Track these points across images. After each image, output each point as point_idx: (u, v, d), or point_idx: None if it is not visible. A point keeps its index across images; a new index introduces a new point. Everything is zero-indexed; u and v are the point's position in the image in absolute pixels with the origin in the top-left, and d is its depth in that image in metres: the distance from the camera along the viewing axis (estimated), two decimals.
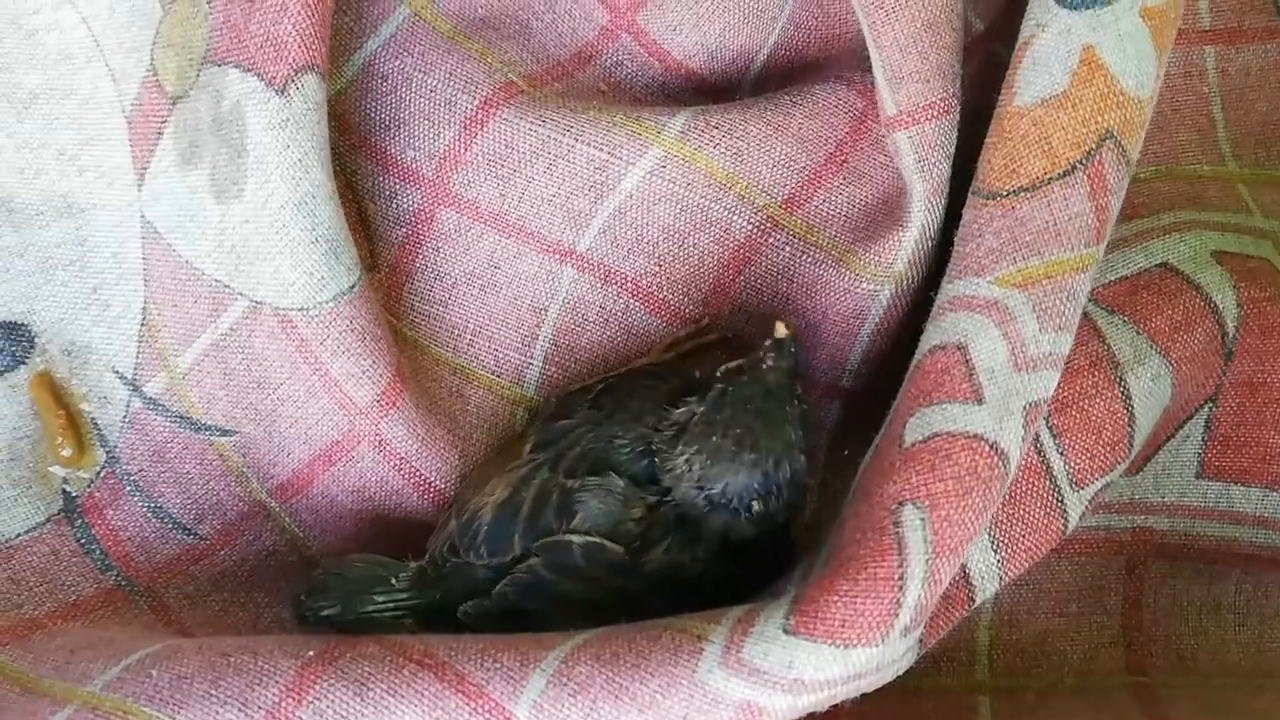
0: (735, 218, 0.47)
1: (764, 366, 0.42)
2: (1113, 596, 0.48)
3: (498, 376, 0.48)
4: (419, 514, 0.45)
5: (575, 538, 0.41)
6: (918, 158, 0.45)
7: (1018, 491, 0.42)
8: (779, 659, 0.36)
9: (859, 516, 0.38)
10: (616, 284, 0.48)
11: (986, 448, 0.38)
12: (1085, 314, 0.44)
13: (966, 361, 0.39)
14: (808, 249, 0.47)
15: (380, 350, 0.44)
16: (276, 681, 0.37)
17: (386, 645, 0.39)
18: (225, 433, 0.46)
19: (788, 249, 0.47)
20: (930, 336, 0.41)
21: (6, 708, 0.39)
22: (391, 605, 0.42)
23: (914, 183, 0.45)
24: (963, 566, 0.41)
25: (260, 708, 0.37)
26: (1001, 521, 0.42)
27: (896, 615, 0.36)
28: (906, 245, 0.45)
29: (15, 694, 0.40)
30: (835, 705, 0.48)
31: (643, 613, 0.39)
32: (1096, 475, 0.43)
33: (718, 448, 0.41)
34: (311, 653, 0.38)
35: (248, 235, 0.43)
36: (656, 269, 0.48)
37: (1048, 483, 0.42)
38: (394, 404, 0.44)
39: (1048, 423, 0.43)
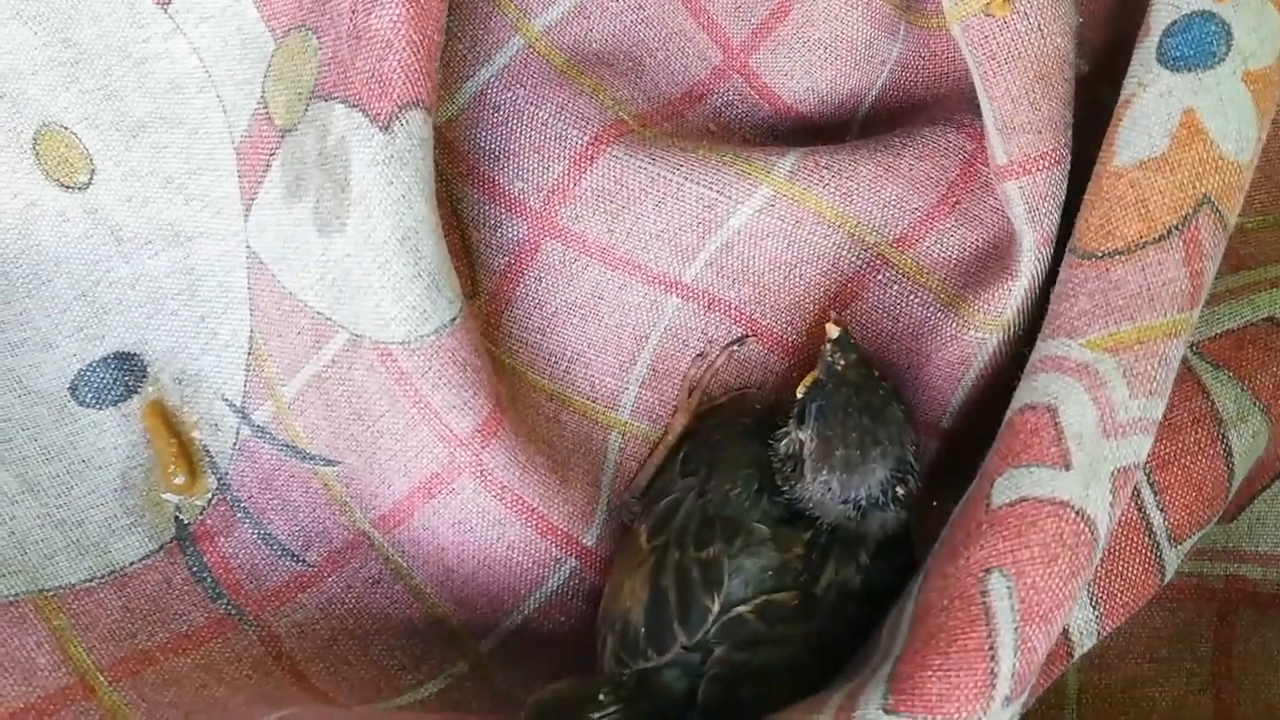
0: (844, 253, 0.47)
1: (838, 367, 0.42)
2: (1203, 644, 0.48)
3: (592, 401, 0.48)
4: (521, 543, 0.45)
5: (743, 608, 0.41)
6: (1028, 208, 0.44)
7: (1117, 546, 0.42)
8: None
9: (946, 580, 0.38)
10: (720, 310, 0.48)
11: (1073, 514, 0.37)
12: (1189, 368, 0.44)
13: (1055, 424, 0.39)
14: (917, 289, 0.47)
15: (480, 381, 0.44)
16: None
17: None
18: (329, 462, 0.46)
19: (896, 287, 0.47)
20: (1022, 395, 0.41)
21: None
22: (614, 705, 0.41)
23: (1024, 232, 0.44)
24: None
25: None
26: (1100, 578, 0.42)
27: (993, 686, 0.36)
28: (1016, 295, 0.45)
29: None
30: None
31: (833, 651, 0.40)
32: (1194, 530, 0.43)
33: (846, 459, 0.41)
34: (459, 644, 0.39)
35: (349, 269, 0.42)
36: (761, 297, 0.47)
37: (1147, 539, 0.42)
38: (495, 434, 0.44)
39: (1149, 478, 0.42)
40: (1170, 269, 0.40)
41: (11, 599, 0.42)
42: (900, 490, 0.42)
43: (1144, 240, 0.41)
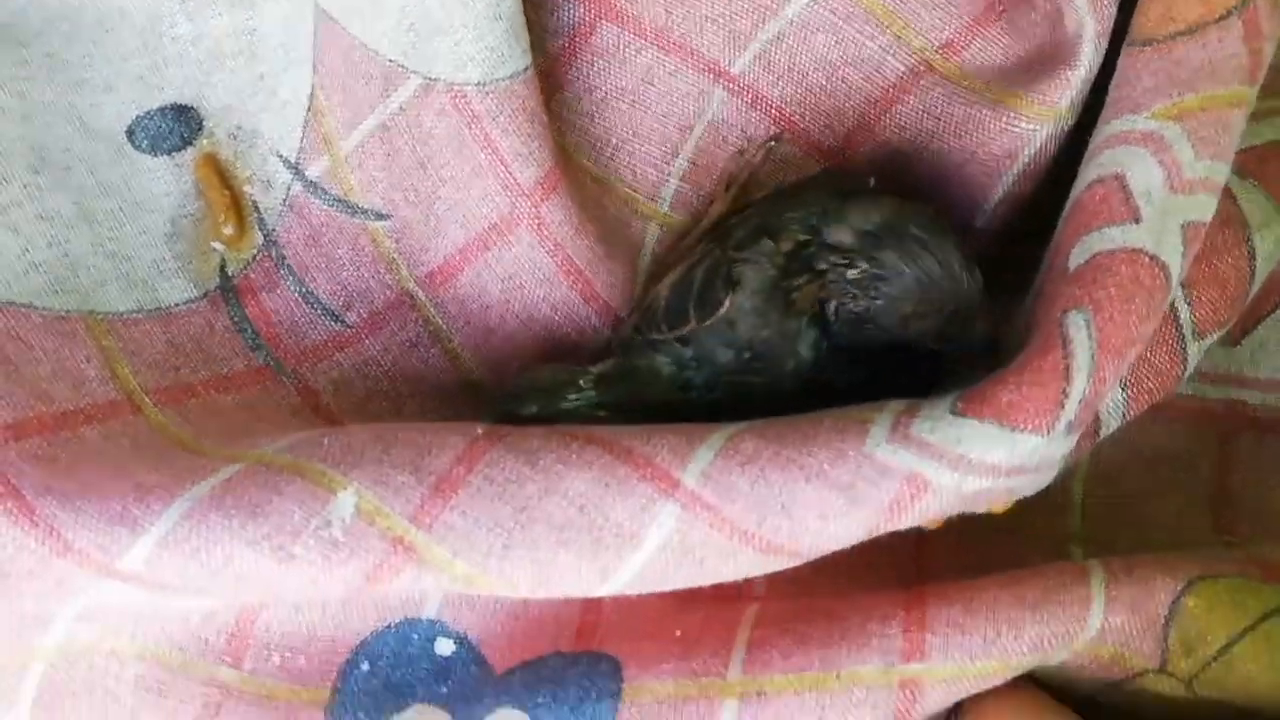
0: (888, 57, 0.48)
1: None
2: (1204, 462, 0.50)
3: (634, 191, 0.48)
4: (565, 306, 0.46)
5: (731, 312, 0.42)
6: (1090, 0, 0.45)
7: None
8: (946, 434, 0.37)
9: (1021, 325, 0.39)
10: (762, 109, 0.49)
11: (1146, 259, 0.39)
12: None
13: (1124, 188, 0.40)
14: (961, 91, 0.48)
15: (545, 136, 0.44)
16: (447, 452, 0.38)
17: (552, 429, 0.40)
18: (380, 216, 0.46)
19: (939, 90, 0.48)
20: (1087, 174, 0.42)
21: (175, 459, 0.39)
22: (584, 403, 0.43)
23: (1085, 23, 0.45)
24: None
25: (432, 473, 0.37)
26: (1131, 362, 0.43)
27: (1063, 406, 0.37)
28: (1074, 83, 0.46)
29: (178, 451, 0.41)
30: (928, 536, 0.50)
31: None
32: (1216, 327, 0.44)
33: (884, 259, 0.41)
34: (480, 431, 0.39)
35: (430, 10, 0.43)
36: (803, 98, 0.48)
37: (1174, 330, 0.44)
38: (554, 189, 0.45)
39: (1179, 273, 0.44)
40: (1230, 45, 0.42)
41: (63, 314, 0.43)
42: (911, 313, 0.41)
43: (1205, 21, 0.43)
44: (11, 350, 0.40)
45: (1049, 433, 0.37)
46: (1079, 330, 0.38)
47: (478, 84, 0.43)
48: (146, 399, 0.42)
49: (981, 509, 0.43)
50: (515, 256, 0.45)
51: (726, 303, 0.43)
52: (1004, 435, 0.37)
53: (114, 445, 0.39)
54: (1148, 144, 0.41)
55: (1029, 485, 0.39)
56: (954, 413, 0.37)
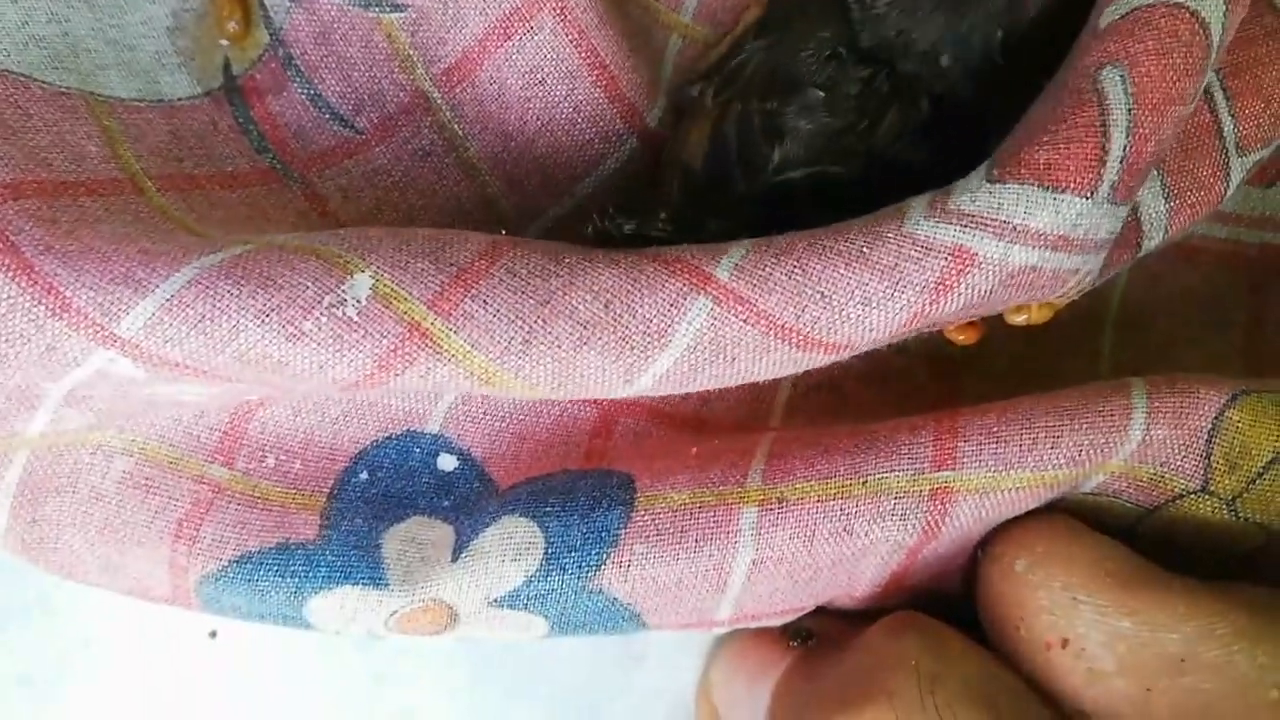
0: None
1: None
2: (1236, 311, 0.48)
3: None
4: (589, 105, 0.44)
5: (794, 173, 0.40)
6: None
7: (1190, 146, 0.42)
8: (986, 203, 0.35)
9: (1053, 90, 0.37)
10: None
11: (1187, 14, 0.36)
12: None
13: None
14: None
15: None
16: (469, 247, 0.36)
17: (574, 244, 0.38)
18: (396, 7, 0.43)
19: None
20: None
21: (177, 236, 0.37)
22: (671, 228, 0.40)
23: None
24: (1135, 209, 0.41)
25: (452, 263, 0.36)
26: (1173, 171, 0.41)
27: (1103, 163, 0.35)
28: None
29: (183, 232, 0.38)
30: (958, 386, 0.48)
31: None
32: (1259, 144, 0.42)
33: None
34: (503, 231, 0.37)
35: None
36: None
37: (1217, 142, 0.42)
38: None
39: (1222, 83, 0.42)
40: None
41: (64, 90, 0.40)
42: (945, 60, 0.40)
43: None
44: (10, 115, 0.38)
45: (1093, 193, 0.35)
46: (1114, 85, 0.35)
47: None
48: (149, 183, 0.40)
49: (1020, 318, 0.41)
50: (538, 45, 0.43)
51: (776, 156, 0.40)
52: (1046, 197, 0.35)
53: (117, 218, 0.37)
54: None
55: (1073, 271, 0.37)
56: (991, 180, 0.35)
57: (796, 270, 0.35)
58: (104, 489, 0.40)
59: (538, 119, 0.44)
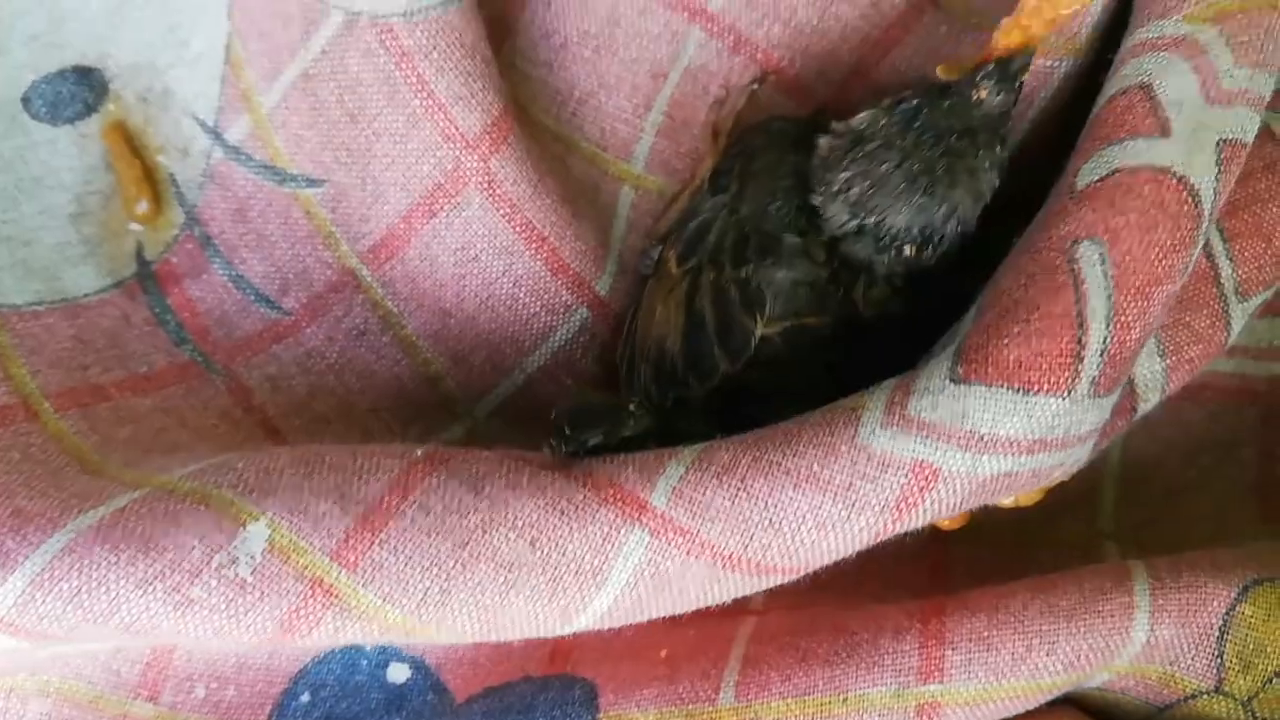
0: None
1: (976, 96, 0.35)
2: (1247, 449, 0.44)
3: (602, 150, 0.42)
4: (530, 280, 0.40)
5: (770, 329, 0.35)
6: None
7: (1186, 297, 0.37)
8: (949, 410, 0.31)
9: (1021, 264, 0.33)
10: (746, 54, 0.42)
11: (1174, 181, 0.32)
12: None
13: (1151, 98, 0.34)
14: (968, 30, 0.41)
15: (490, 75, 0.38)
16: (379, 478, 0.32)
17: (504, 453, 0.33)
18: (312, 182, 0.40)
19: (944, 28, 0.41)
20: (1108, 88, 0.35)
21: (66, 479, 0.33)
22: (639, 431, 0.35)
23: None
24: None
25: (359, 501, 0.31)
26: (1168, 327, 0.37)
27: (1080, 359, 0.30)
28: (1094, 13, 0.39)
29: (75, 470, 0.34)
30: (947, 536, 0.44)
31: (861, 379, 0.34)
32: (1261, 287, 0.38)
33: (885, 177, 0.35)
34: (419, 452, 0.33)
35: None
36: (792, 40, 0.42)
37: (1215, 290, 0.37)
38: (505, 139, 0.38)
39: (1219, 226, 0.38)
40: None
41: None
42: (907, 251, 0.36)
43: None
44: None
45: (1069, 393, 0.30)
46: (1092, 266, 0.31)
47: (404, 14, 0.37)
48: (45, 403, 0.36)
49: (1006, 499, 0.37)
50: (466, 222, 0.39)
51: (759, 328, 0.36)
52: (1017, 401, 0.30)
53: (1, 459, 0.34)
54: (1180, 49, 0.34)
55: (1057, 465, 0.32)
56: (954, 380, 0.31)
57: (740, 494, 0.31)
58: None
59: (475, 295, 0.40)
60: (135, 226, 0.40)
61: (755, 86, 0.42)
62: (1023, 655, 0.35)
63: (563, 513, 0.31)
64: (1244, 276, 0.37)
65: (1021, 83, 0.36)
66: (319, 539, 0.31)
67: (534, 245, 0.39)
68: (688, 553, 0.31)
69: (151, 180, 0.40)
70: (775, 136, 0.38)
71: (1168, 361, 0.37)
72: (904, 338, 0.36)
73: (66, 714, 0.37)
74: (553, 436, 0.33)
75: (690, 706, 0.36)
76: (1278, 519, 0.43)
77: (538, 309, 0.40)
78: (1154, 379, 0.37)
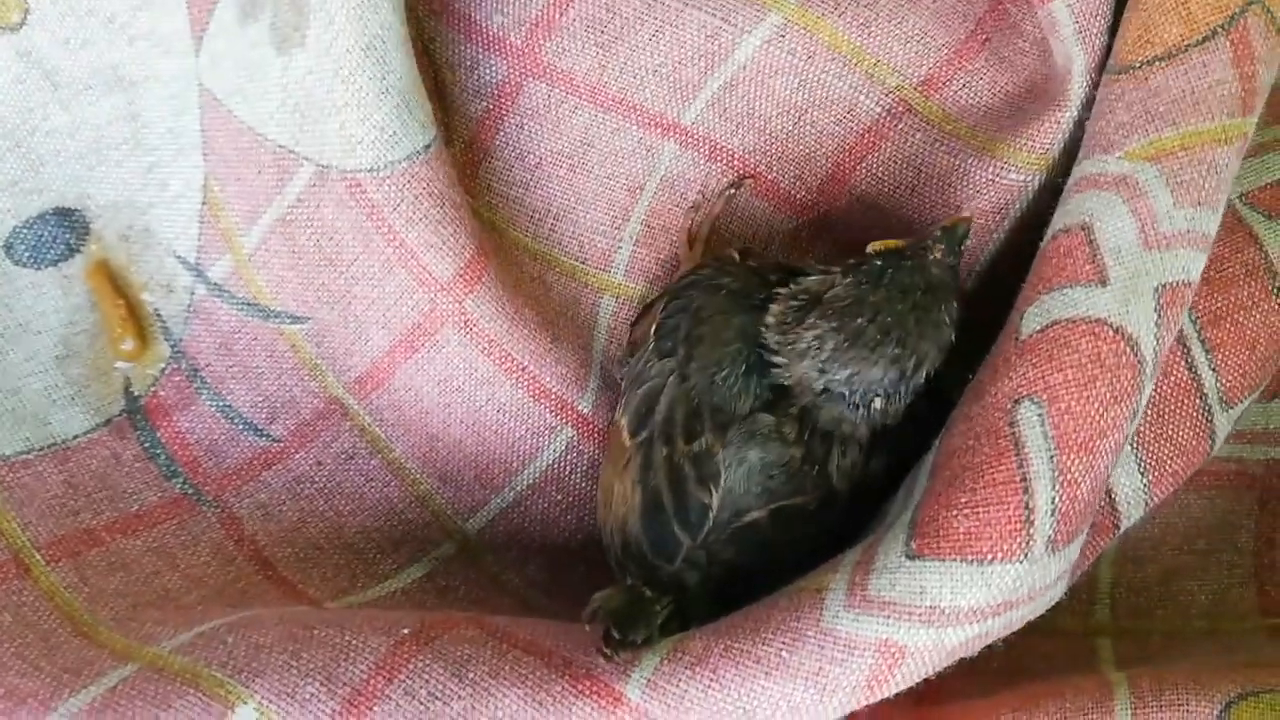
0: (861, 97, 0.41)
1: (931, 257, 0.36)
2: (1244, 534, 0.43)
3: (582, 263, 0.42)
4: (513, 407, 0.40)
5: (757, 514, 0.35)
6: (1078, 28, 0.38)
7: (1166, 410, 0.37)
8: (907, 587, 0.31)
9: (971, 419, 0.33)
10: (723, 161, 0.42)
11: (1110, 332, 0.32)
12: (1240, 219, 0.39)
13: (1090, 241, 0.34)
14: (944, 138, 0.41)
15: (460, 220, 0.38)
16: (365, 658, 0.32)
17: (487, 629, 0.34)
18: (296, 319, 0.40)
19: (920, 135, 0.41)
20: (1055, 222, 0.36)
21: (57, 646, 0.33)
22: (667, 616, 0.35)
23: (1075, 56, 0.38)
24: (1108, 491, 0.36)
25: (346, 683, 0.31)
26: (1149, 442, 0.37)
27: (1030, 523, 0.31)
28: (1065, 126, 0.39)
29: (67, 633, 0.34)
30: None
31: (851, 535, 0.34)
32: (1247, 393, 0.38)
33: (860, 331, 0.35)
34: (406, 630, 0.33)
35: (311, 88, 0.37)
36: (768, 146, 0.41)
37: (1198, 401, 0.37)
38: (479, 279, 0.38)
39: (1200, 336, 0.37)
40: (1216, 71, 0.35)
41: None
42: (877, 404, 0.35)
43: (1186, 43, 0.36)
44: None
45: (1025, 556, 0.30)
46: (1032, 429, 0.31)
47: (370, 170, 0.37)
48: (37, 555, 0.36)
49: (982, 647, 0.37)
50: (446, 359, 0.39)
51: (715, 501, 0.35)
52: (973, 572, 0.30)
53: None
54: (1120, 189, 0.35)
55: (1029, 614, 0.32)
56: (910, 556, 0.31)
57: (713, 685, 0.31)
58: None
59: (461, 422, 0.40)
60: (121, 364, 0.40)
61: (733, 191, 0.42)
62: None
63: (541, 704, 0.31)
64: (1228, 385, 0.37)
65: (964, 248, 0.36)
66: None
67: (514, 375, 0.39)
68: None
69: (136, 317, 0.40)
70: (714, 295, 0.38)
71: (1149, 478, 0.37)
72: (880, 498, 0.36)
73: None
74: (604, 643, 0.32)
75: None
76: (1276, 611, 0.42)
77: (523, 433, 0.40)
78: (1135, 495, 0.37)
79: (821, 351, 0.35)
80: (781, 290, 0.37)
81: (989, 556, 0.30)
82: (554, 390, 0.40)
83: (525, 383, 0.39)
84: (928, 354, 0.35)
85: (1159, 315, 0.33)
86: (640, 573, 0.36)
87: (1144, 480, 0.36)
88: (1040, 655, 0.39)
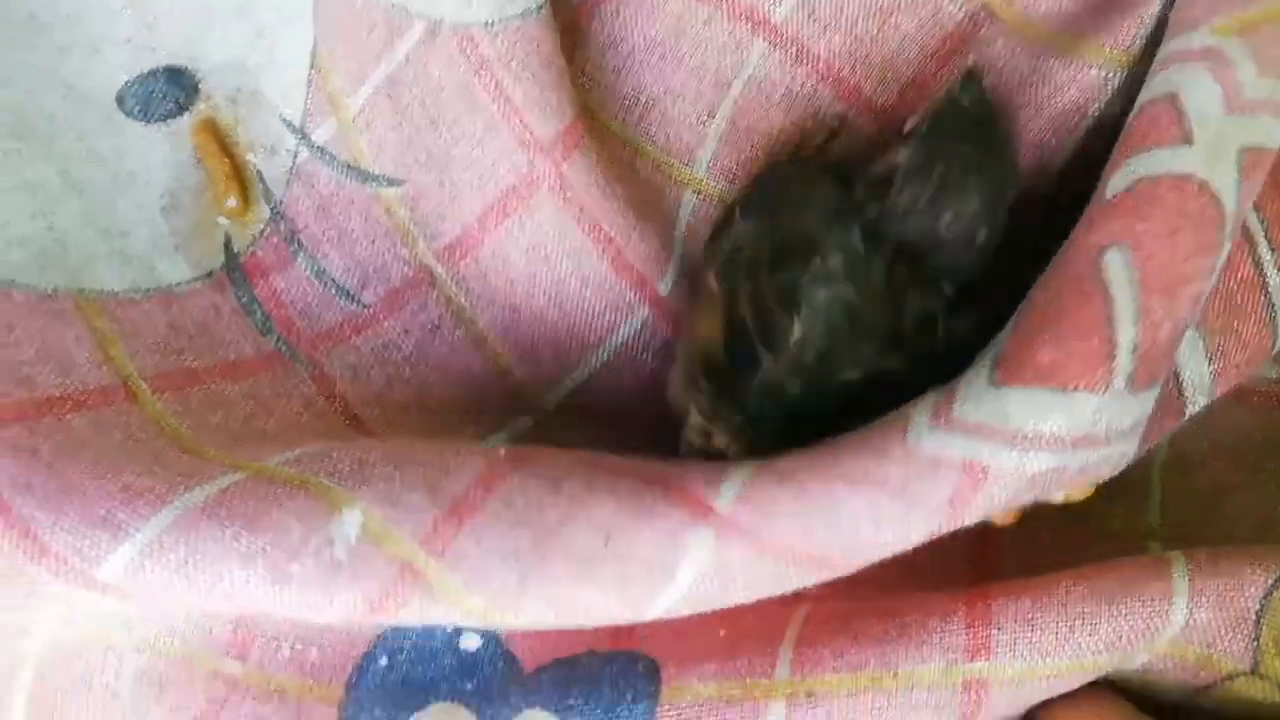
0: (945, 2, 0.42)
1: (962, 101, 0.38)
2: None
3: (667, 154, 0.43)
4: (596, 279, 0.41)
5: (851, 374, 0.36)
6: None
7: (1233, 303, 0.38)
8: (992, 411, 0.32)
9: (1056, 270, 0.34)
10: (808, 65, 0.43)
11: (1195, 187, 0.33)
12: None
13: (1176, 108, 0.35)
14: (1025, 42, 0.42)
15: (564, 85, 0.39)
16: (465, 474, 0.34)
17: (579, 456, 0.35)
18: (393, 182, 0.41)
19: (1001, 41, 0.42)
20: (1141, 97, 0.37)
21: (169, 460, 0.35)
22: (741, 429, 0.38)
23: None
24: (1176, 374, 0.38)
25: (447, 494, 0.33)
26: (1216, 331, 0.38)
27: (1113, 357, 0.32)
28: (1147, 22, 0.40)
29: (174, 452, 0.36)
30: (995, 532, 0.45)
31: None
32: None
33: (944, 176, 0.36)
34: (503, 453, 0.35)
35: None
36: (853, 49, 0.42)
37: (1262, 298, 0.38)
38: (577, 145, 0.39)
39: (1266, 234, 0.39)
40: None
41: (50, 292, 0.38)
42: (981, 236, 0.37)
43: None
44: None
45: (1105, 389, 0.32)
46: (1117, 272, 0.33)
47: (485, 24, 0.38)
48: (144, 385, 0.38)
49: (1058, 496, 0.38)
50: (538, 224, 0.40)
51: (796, 327, 0.36)
52: (1055, 398, 0.32)
53: (104, 437, 0.35)
54: (1205, 60, 0.36)
55: (1104, 461, 0.34)
56: (994, 384, 0.32)
57: (802, 495, 0.32)
58: (118, 688, 0.38)
59: (544, 293, 0.41)
60: (224, 221, 0.41)
61: (835, 127, 0.43)
62: (1066, 635, 0.36)
63: (634, 513, 0.33)
64: None
65: (986, 84, 0.39)
66: (409, 526, 0.32)
67: (601, 246, 0.40)
68: (750, 551, 0.33)
69: (240, 177, 0.41)
70: (804, 169, 0.40)
71: (1215, 366, 0.38)
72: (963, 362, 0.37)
73: (161, 669, 0.38)
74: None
75: (748, 679, 0.38)
76: None
77: (602, 307, 0.41)
78: (1201, 382, 0.38)
79: (919, 205, 0.37)
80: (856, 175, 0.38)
81: (1071, 384, 0.32)
82: (637, 267, 0.41)
83: (611, 256, 0.41)
84: (1007, 174, 0.37)
85: (1240, 176, 0.34)
86: (728, 405, 0.37)
87: (1210, 368, 0.38)
88: (1093, 557, 0.41)
